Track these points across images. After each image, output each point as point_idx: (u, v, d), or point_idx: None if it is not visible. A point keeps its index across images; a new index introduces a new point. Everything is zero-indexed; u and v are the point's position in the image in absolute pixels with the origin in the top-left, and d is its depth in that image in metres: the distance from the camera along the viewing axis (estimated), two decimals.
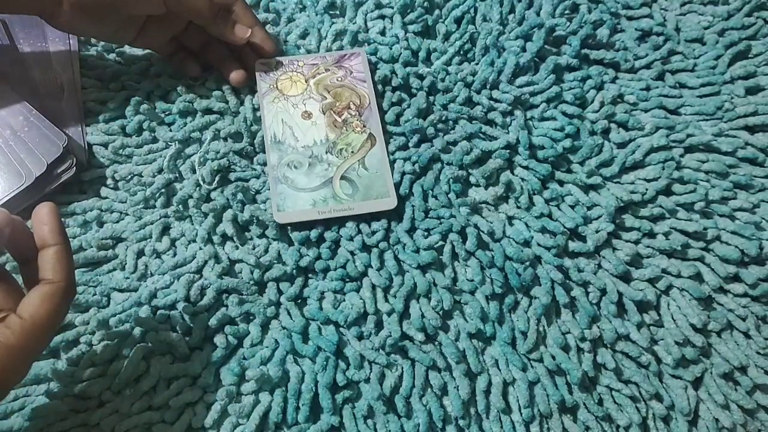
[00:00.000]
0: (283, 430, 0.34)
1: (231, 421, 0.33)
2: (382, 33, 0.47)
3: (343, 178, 0.40)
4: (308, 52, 0.46)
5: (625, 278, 0.38)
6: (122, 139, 0.41)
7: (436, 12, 0.48)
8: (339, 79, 0.44)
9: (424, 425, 0.34)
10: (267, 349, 0.35)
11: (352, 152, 0.41)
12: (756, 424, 0.35)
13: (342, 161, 0.40)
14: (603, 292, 0.38)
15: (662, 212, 0.40)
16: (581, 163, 0.42)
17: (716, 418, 0.35)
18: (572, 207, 0.40)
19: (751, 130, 0.43)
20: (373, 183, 0.40)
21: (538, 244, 0.39)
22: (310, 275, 0.38)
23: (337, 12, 0.48)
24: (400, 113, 0.43)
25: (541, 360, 0.36)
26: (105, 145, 0.41)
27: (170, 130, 0.41)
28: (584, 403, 0.35)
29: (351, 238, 0.39)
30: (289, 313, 0.37)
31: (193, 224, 0.39)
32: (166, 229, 0.39)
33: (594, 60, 0.46)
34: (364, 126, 0.42)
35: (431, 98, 0.44)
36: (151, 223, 0.39)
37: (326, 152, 0.41)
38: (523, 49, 0.45)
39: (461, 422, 0.34)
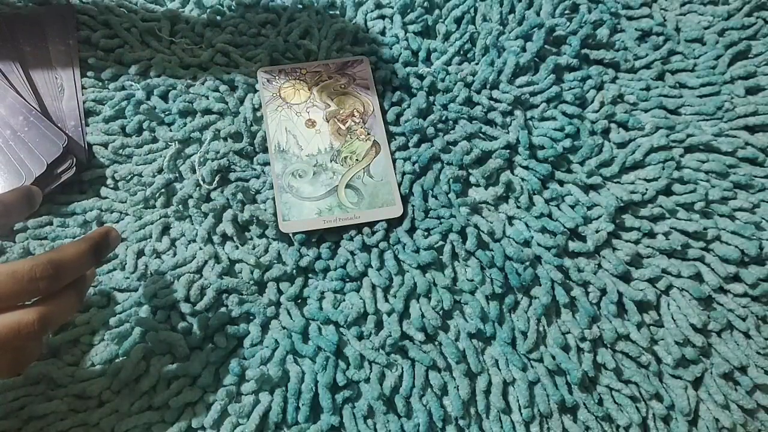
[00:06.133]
0: (283, 430, 0.34)
1: (231, 421, 0.33)
2: (382, 33, 0.47)
3: (348, 186, 0.40)
4: (308, 51, 0.46)
5: (625, 278, 0.38)
6: (122, 139, 0.41)
7: (436, 12, 0.48)
8: (342, 86, 0.44)
9: (424, 425, 0.34)
10: (267, 349, 0.35)
11: (357, 160, 0.41)
12: (756, 424, 0.35)
13: (347, 169, 0.40)
14: (603, 292, 0.38)
15: (662, 212, 0.40)
16: (581, 163, 0.42)
17: (716, 418, 0.35)
18: (572, 207, 0.40)
19: (751, 130, 0.43)
20: (379, 191, 0.40)
21: (538, 244, 0.39)
22: (310, 275, 0.38)
23: (337, 12, 0.48)
24: (400, 113, 0.43)
25: (541, 360, 0.36)
26: (105, 145, 0.41)
27: (170, 130, 0.41)
28: (584, 403, 0.35)
29: (351, 238, 0.39)
30: (289, 313, 0.37)
31: (193, 224, 0.39)
32: (166, 229, 0.39)
33: (594, 60, 0.46)
34: (368, 133, 0.42)
35: (431, 98, 0.44)
36: (151, 223, 0.39)
37: (331, 160, 0.41)
38: (523, 49, 0.45)
39: (461, 422, 0.34)
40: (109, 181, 0.40)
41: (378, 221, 0.39)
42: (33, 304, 0.27)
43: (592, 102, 0.44)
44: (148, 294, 0.36)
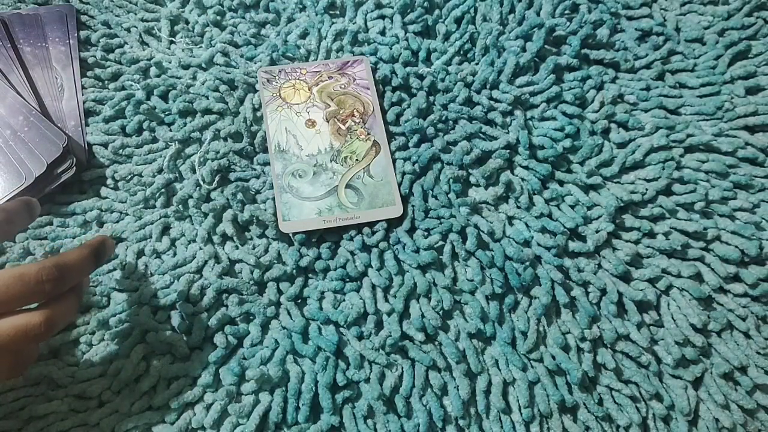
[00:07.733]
0: (283, 430, 0.34)
1: (231, 421, 0.33)
2: (382, 33, 0.47)
3: (348, 186, 0.40)
4: (308, 52, 0.46)
5: (625, 278, 0.38)
6: (122, 139, 0.41)
7: (436, 12, 0.48)
8: (342, 86, 0.43)
9: (424, 425, 0.34)
10: (267, 349, 0.35)
11: (357, 160, 0.41)
12: (756, 424, 0.35)
13: (347, 169, 0.40)
14: (603, 292, 0.38)
15: (662, 212, 0.40)
16: (581, 163, 0.42)
17: (716, 418, 0.35)
18: (572, 207, 0.40)
19: (751, 130, 0.43)
20: (379, 191, 0.40)
21: (538, 244, 0.39)
22: (310, 275, 0.38)
23: (337, 12, 0.48)
24: (400, 113, 0.43)
25: (541, 360, 0.36)
26: (105, 145, 0.41)
27: (170, 130, 0.41)
28: (584, 403, 0.35)
29: (351, 238, 0.39)
30: (289, 313, 0.37)
31: (193, 224, 0.39)
32: (166, 229, 0.39)
33: (594, 60, 0.46)
34: (368, 133, 0.42)
35: (431, 98, 0.44)
36: (151, 223, 0.39)
37: (331, 160, 0.40)
38: (523, 49, 0.45)
39: (461, 422, 0.34)
40: (109, 181, 0.40)
41: (378, 221, 0.39)
42: (37, 308, 0.27)
43: (592, 102, 0.44)
44: (147, 294, 0.36)
